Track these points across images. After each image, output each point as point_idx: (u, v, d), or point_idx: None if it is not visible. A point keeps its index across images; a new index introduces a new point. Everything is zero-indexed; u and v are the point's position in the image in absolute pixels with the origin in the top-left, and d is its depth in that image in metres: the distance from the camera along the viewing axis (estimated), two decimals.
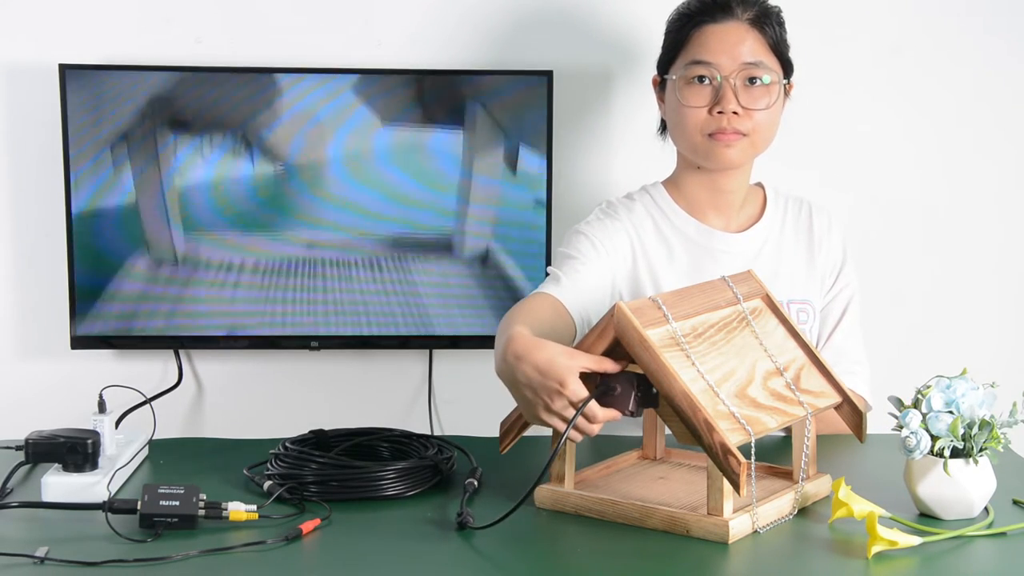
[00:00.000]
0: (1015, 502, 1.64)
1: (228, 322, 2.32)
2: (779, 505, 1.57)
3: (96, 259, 2.28)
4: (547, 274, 1.92)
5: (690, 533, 1.51)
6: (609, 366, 1.53)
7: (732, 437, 1.47)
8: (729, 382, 1.56)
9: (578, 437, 1.55)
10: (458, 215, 2.32)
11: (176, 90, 2.26)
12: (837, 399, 1.67)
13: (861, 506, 1.51)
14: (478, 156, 2.31)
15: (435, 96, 2.30)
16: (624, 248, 1.98)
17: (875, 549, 1.45)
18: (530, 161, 2.31)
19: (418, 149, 2.30)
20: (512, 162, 2.31)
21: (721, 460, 1.46)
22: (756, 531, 1.53)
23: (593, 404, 1.51)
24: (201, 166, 2.28)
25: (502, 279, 2.34)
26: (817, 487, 1.65)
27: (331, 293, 2.33)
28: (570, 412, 1.52)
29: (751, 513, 1.52)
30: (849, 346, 2.04)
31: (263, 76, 2.27)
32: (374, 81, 2.28)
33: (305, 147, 2.29)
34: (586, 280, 1.89)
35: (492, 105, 2.30)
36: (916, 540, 1.48)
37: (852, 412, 1.68)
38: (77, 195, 2.27)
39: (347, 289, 2.33)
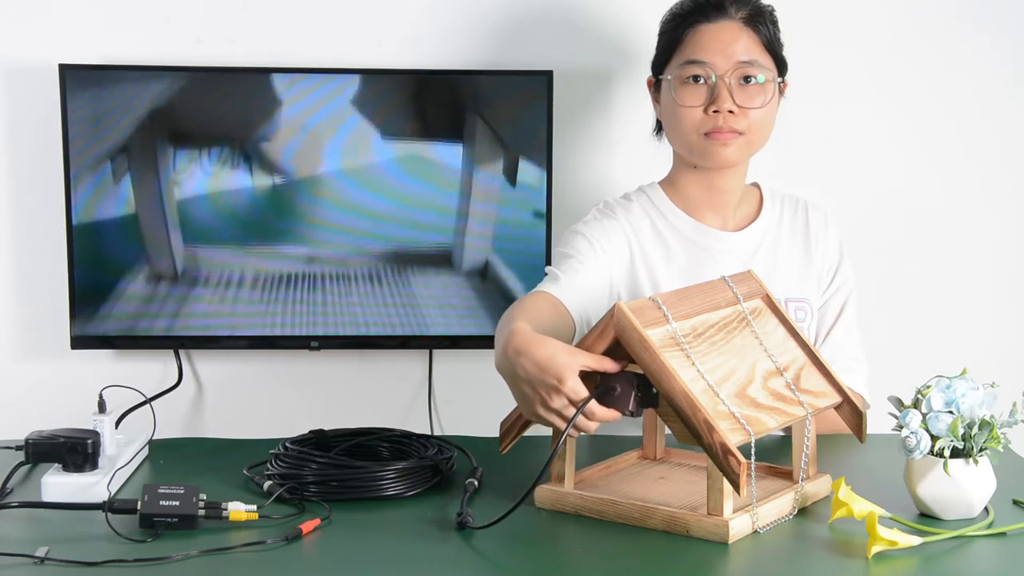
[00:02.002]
0: (1015, 502, 1.64)
1: (228, 323, 2.32)
2: (779, 505, 1.57)
3: (96, 264, 2.29)
4: (546, 274, 1.92)
5: (690, 533, 1.51)
6: (609, 365, 1.53)
7: (732, 437, 1.47)
8: (729, 382, 1.55)
9: (575, 433, 1.55)
10: (457, 229, 2.33)
11: (175, 99, 2.26)
12: (837, 399, 1.67)
13: (861, 506, 1.51)
14: (477, 169, 2.31)
15: (434, 107, 2.30)
16: (622, 248, 1.99)
17: (875, 549, 1.45)
18: (529, 173, 2.31)
19: (417, 162, 2.30)
20: (512, 174, 2.31)
21: (721, 460, 1.46)
22: (756, 531, 1.53)
23: (593, 403, 1.51)
24: (200, 177, 2.28)
25: (501, 292, 2.34)
26: (817, 487, 1.65)
27: (331, 305, 2.33)
28: (569, 410, 1.52)
29: (751, 513, 1.52)
30: (847, 344, 2.05)
31: (261, 79, 2.27)
32: (372, 86, 2.28)
33: (302, 159, 2.29)
34: (585, 279, 1.89)
35: (491, 116, 2.30)
36: (916, 540, 1.48)
37: (852, 412, 1.68)
38: (77, 195, 2.27)
39: (346, 302, 2.33)
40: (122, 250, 2.29)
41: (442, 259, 2.33)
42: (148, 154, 2.27)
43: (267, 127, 2.28)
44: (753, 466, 1.50)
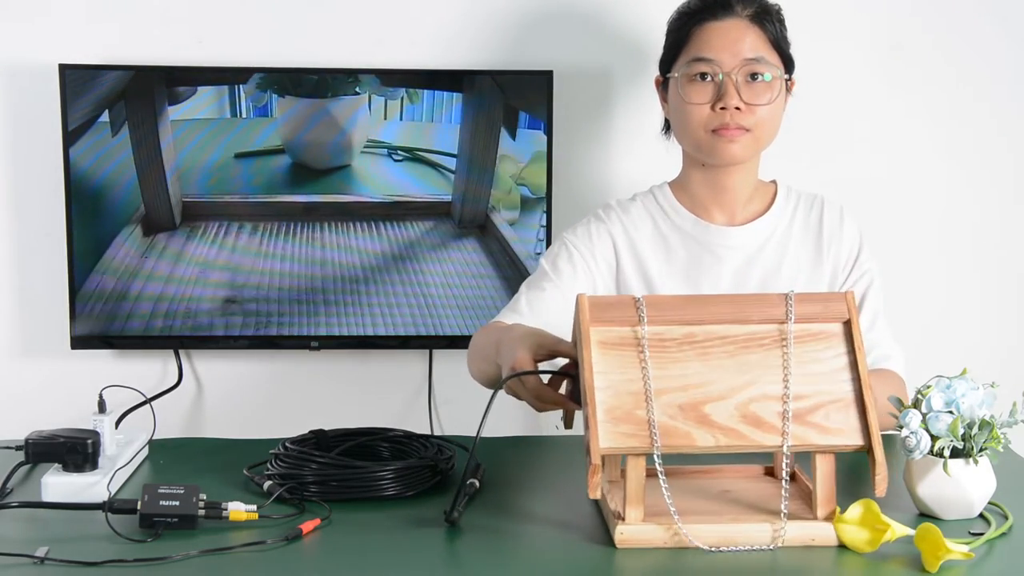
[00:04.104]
0: None
1: (225, 293, 2.32)
2: (731, 530, 1.51)
3: (94, 221, 2.30)
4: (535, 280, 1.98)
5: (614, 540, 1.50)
6: (567, 349, 1.61)
7: (617, 440, 1.46)
8: (683, 392, 1.51)
9: (550, 409, 1.62)
10: (457, 180, 2.33)
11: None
12: (858, 443, 1.52)
13: (896, 526, 1.46)
14: (477, 119, 2.31)
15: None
16: (606, 252, 2.01)
17: (944, 559, 1.41)
18: (529, 126, 2.31)
19: (417, 110, 2.31)
20: (512, 126, 2.32)
21: (585, 456, 1.46)
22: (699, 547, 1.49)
23: (534, 378, 1.59)
24: (198, 133, 2.28)
25: (500, 245, 2.34)
26: (819, 531, 1.52)
27: (329, 252, 2.33)
28: (515, 381, 1.60)
29: (672, 527, 1.49)
30: (873, 335, 1.99)
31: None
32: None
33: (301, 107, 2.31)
34: (552, 297, 1.93)
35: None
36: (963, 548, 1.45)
37: (873, 462, 1.52)
38: (77, 194, 2.28)
39: (345, 248, 2.33)
40: (119, 214, 2.31)
41: (441, 210, 2.34)
42: (146, 102, 2.28)
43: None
44: (661, 473, 1.48)
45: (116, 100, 2.27)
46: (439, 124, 2.31)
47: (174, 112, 2.28)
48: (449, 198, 2.33)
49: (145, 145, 2.28)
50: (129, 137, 2.28)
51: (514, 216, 2.34)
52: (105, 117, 2.27)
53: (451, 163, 2.33)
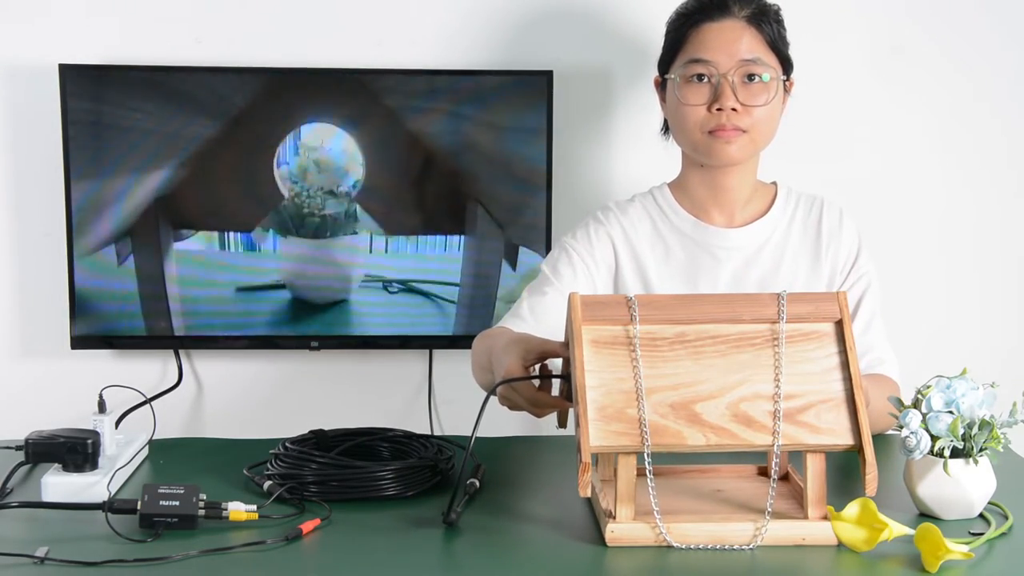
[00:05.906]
0: None
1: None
2: (721, 528, 1.51)
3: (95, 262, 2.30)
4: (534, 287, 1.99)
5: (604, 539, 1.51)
6: (557, 352, 1.62)
7: (608, 439, 1.47)
8: (675, 392, 1.51)
9: (544, 413, 1.64)
10: (458, 318, 2.35)
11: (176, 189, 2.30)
12: (849, 443, 1.52)
13: (894, 524, 1.46)
14: (478, 254, 2.34)
15: (435, 199, 2.33)
16: (606, 254, 2.01)
17: (944, 559, 1.40)
18: (531, 258, 2.33)
19: (418, 257, 2.34)
20: (512, 259, 2.34)
21: (577, 455, 1.47)
22: (670, 545, 1.49)
23: (528, 386, 1.61)
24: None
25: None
26: (812, 530, 1.52)
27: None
28: (507, 389, 1.62)
29: (654, 526, 1.50)
30: (868, 338, 1.99)
31: (265, 167, 2.28)
32: (372, 193, 2.31)
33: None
34: (553, 303, 1.93)
35: (491, 205, 2.32)
36: (964, 548, 1.45)
37: (863, 462, 1.52)
38: (77, 195, 2.28)
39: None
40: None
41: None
42: (151, 237, 2.31)
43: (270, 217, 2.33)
44: (649, 471, 1.48)
45: (122, 235, 2.30)
46: (439, 256, 2.34)
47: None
48: (451, 332, 2.36)
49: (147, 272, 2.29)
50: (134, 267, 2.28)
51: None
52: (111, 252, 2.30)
53: (448, 292, 2.34)
